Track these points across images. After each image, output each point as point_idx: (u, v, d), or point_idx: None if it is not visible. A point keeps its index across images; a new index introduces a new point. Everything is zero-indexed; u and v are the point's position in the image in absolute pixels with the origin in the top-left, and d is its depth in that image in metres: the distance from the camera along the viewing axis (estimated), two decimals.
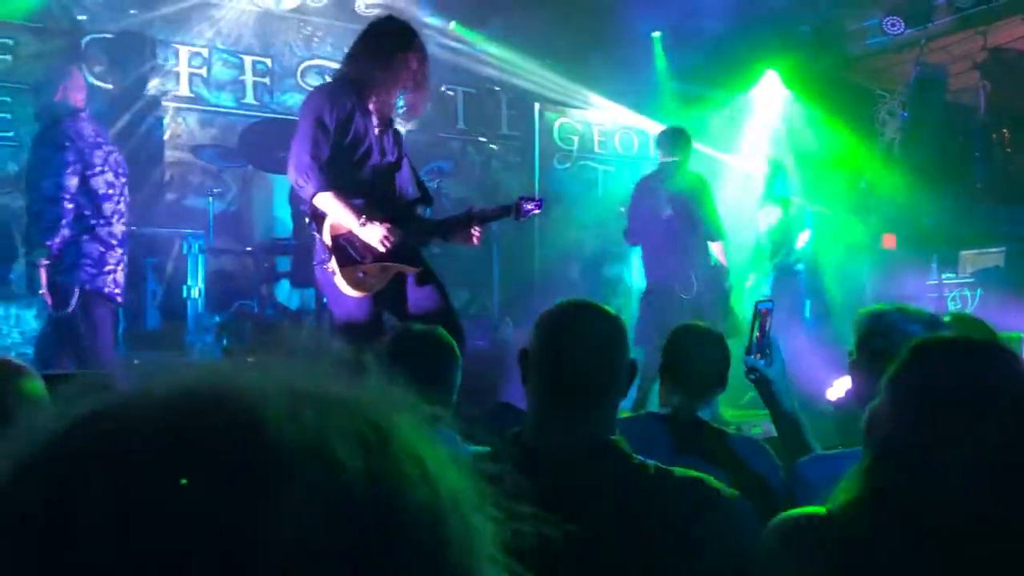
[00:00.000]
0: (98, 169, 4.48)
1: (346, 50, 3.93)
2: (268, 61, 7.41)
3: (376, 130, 3.72)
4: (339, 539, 0.42)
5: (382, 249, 3.55)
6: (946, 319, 3.65)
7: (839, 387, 4.55)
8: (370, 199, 3.63)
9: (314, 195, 3.54)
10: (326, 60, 7.71)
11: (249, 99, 7.32)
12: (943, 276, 7.38)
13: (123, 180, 4.65)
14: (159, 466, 0.41)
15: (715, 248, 6.14)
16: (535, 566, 0.52)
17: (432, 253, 6.57)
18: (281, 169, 6.59)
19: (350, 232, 3.56)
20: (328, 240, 3.57)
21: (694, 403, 2.50)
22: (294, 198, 6.69)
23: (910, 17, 8.06)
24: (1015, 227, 8.96)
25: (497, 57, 7.72)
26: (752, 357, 2.26)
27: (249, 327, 6.00)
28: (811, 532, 1.26)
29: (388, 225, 3.54)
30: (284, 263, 6.42)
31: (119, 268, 4.61)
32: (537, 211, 4.00)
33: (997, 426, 1.19)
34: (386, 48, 3.65)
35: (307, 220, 3.78)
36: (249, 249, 6.39)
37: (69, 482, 0.41)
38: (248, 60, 7.32)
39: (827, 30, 8.94)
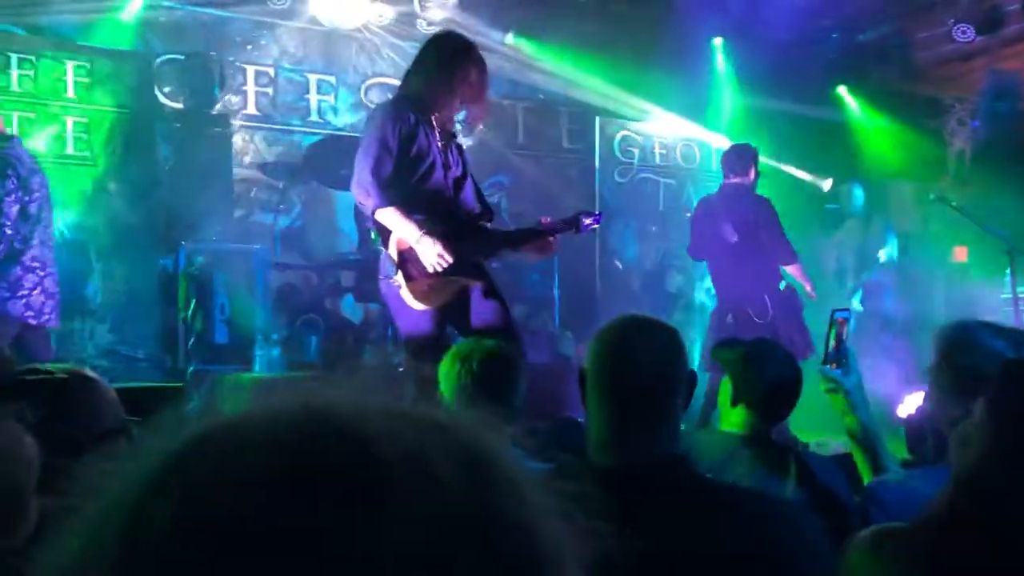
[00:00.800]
0: (36, 195, 4.54)
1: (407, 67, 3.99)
2: (332, 79, 7.54)
3: (439, 144, 3.76)
4: (445, 558, 0.43)
5: (434, 270, 3.57)
6: None
7: (910, 404, 4.44)
8: (433, 213, 3.66)
9: (375, 210, 3.59)
10: (389, 78, 7.81)
11: (314, 117, 7.45)
12: (1018, 290, 7.15)
13: (48, 204, 4.66)
14: (281, 485, 0.43)
15: (792, 271, 6.06)
16: None
17: (492, 268, 6.61)
18: (345, 185, 6.69)
19: (412, 246, 3.60)
20: (394, 254, 3.61)
21: (769, 422, 2.47)
22: (358, 213, 6.80)
23: (981, 24, 7.85)
24: None
25: (557, 70, 7.74)
26: (828, 367, 2.21)
27: (314, 341, 6.09)
28: (899, 547, 1.22)
29: (443, 242, 3.56)
30: (348, 277, 6.52)
31: (35, 291, 4.62)
32: (596, 225, 4.02)
33: None
34: (446, 62, 3.70)
35: (372, 235, 3.83)
36: (314, 264, 6.49)
37: (195, 501, 0.43)
38: (313, 78, 7.46)
39: (894, 39, 8.77)
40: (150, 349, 6.17)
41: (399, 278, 3.59)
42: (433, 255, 3.55)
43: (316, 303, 6.25)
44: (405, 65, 7.95)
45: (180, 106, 6.74)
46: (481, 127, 3.96)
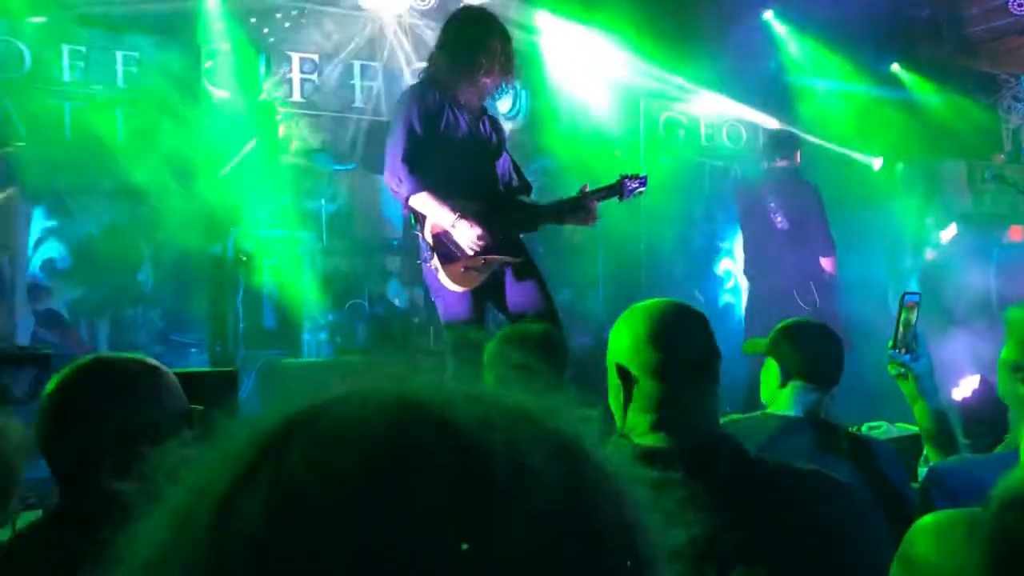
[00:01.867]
0: None
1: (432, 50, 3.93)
2: (376, 65, 7.55)
3: (467, 119, 3.73)
4: (552, 556, 0.41)
5: (471, 252, 3.58)
6: None
7: (966, 387, 4.36)
8: (467, 192, 3.66)
9: (408, 197, 3.60)
10: None
11: (359, 103, 7.48)
12: None
13: None
14: (379, 478, 0.41)
15: (826, 263, 5.98)
16: (699, 570, 0.51)
17: (536, 252, 6.60)
18: None
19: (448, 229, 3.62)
20: (429, 238, 3.63)
21: (826, 403, 2.45)
22: None
23: None
24: None
25: (601, 51, 7.67)
26: (897, 351, 2.17)
27: (360, 326, 6.14)
28: (964, 533, 1.20)
29: (478, 223, 3.56)
30: (394, 262, 6.55)
31: None
32: (642, 189, 3.94)
33: None
34: (469, 36, 3.68)
35: (412, 221, 3.80)
36: (360, 249, 6.54)
37: (291, 493, 0.41)
38: (357, 65, 7.48)
39: (948, 13, 8.55)
40: (201, 335, 6.27)
41: (435, 262, 3.60)
42: (469, 238, 3.56)
43: (362, 288, 6.30)
44: None
45: (227, 94, 6.81)
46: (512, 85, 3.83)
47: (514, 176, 3.95)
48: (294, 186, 6.96)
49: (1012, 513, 1.15)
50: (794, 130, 6.14)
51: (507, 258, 3.73)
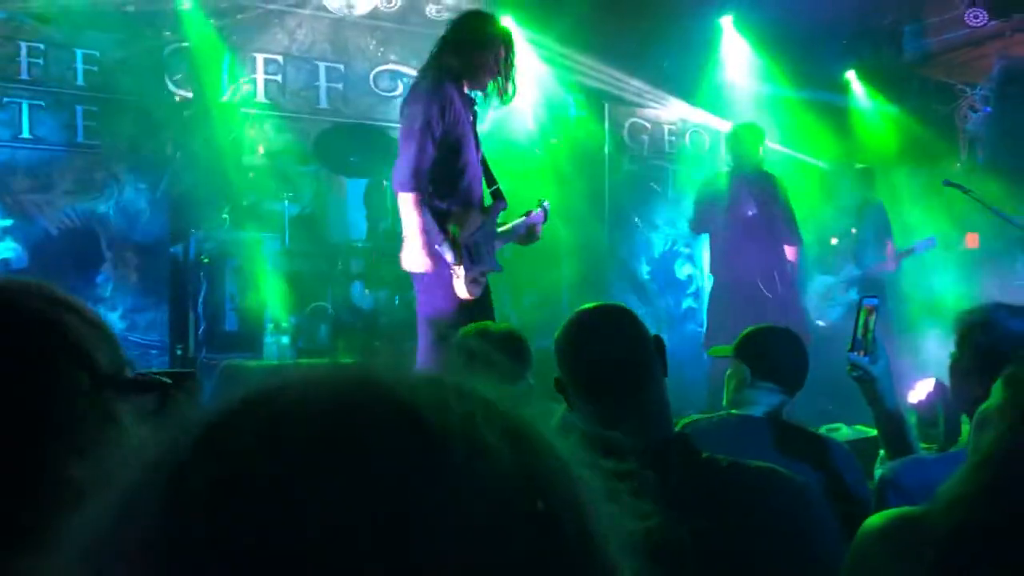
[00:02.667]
0: None
1: (433, 49, 3.87)
2: (341, 67, 7.52)
3: (472, 122, 3.76)
4: (503, 532, 0.42)
5: (481, 264, 3.72)
6: None
7: (921, 389, 4.43)
8: (471, 200, 3.72)
9: (413, 202, 3.58)
10: (399, 65, 7.79)
11: (323, 104, 7.45)
12: None
13: None
14: (324, 450, 0.41)
15: (789, 252, 6.04)
16: (654, 562, 0.52)
17: (503, 257, 6.61)
18: (354, 172, 6.72)
19: (469, 236, 3.68)
20: (457, 244, 3.67)
21: (786, 404, 2.48)
22: (367, 200, 6.79)
23: (994, 7, 7.79)
24: None
25: (566, 57, 7.71)
26: (856, 354, 2.20)
27: (324, 328, 6.11)
28: (911, 531, 1.22)
29: (487, 236, 3.70)
30: (358, 264, 6.52)
31: None
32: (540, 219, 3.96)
33: None
34: (477, 36, 3.70)
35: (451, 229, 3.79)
36: (323, 251, 6.50)
37: (237, 463, 0.41)
38: (322, 66, 7.45)
39: (906, 23, 8.71)
40: (161, 337, 6.19)
41: (460, 269, 3.64)
42: (415, 258, 3.65)
43: (325, 291, 6.26)
44: (415, 52, 7.95)
45: (189, 94, 6.74)
46: (510, 95, 3.84)
47: (492, 183, 4.03)
48: (257, 187, 6.91)
49: (954, 513, 1.18)
50: (756, 126, 6.19)
51: (494, 268, 3.85)
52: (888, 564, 1.23)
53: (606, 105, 8.11)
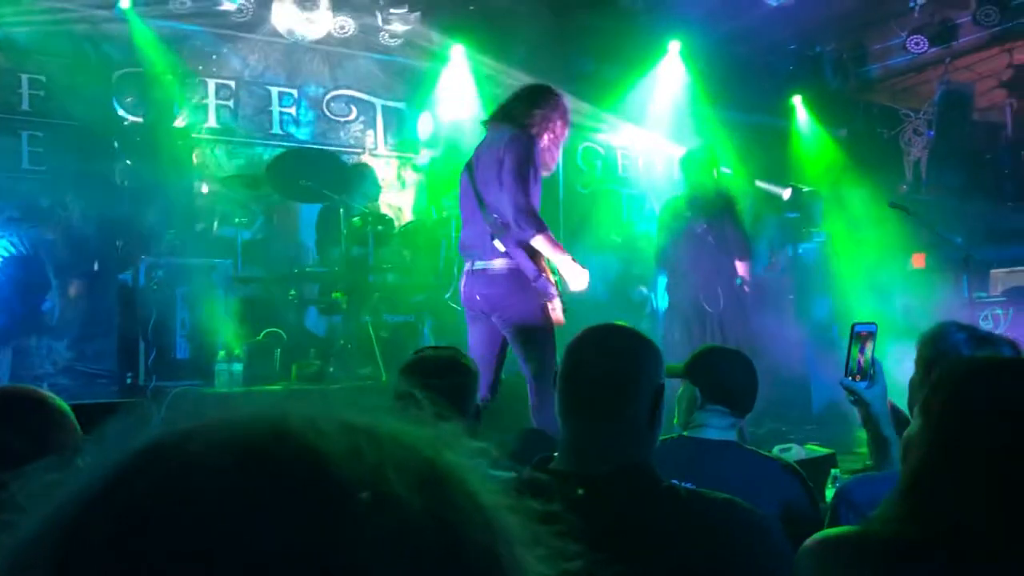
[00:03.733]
0: None
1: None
2: (294, 92, 7.50)
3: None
4: None
5: (581, 287, 3.94)
6: None
7: None
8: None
9: (533, 236, 3.85)
10: (352, 90, 7.80)
11: (276, 129, 7.41)
12: (974, 295, 7.28)
13: None
14: (225, 504, 0.40)
15: (740, 267, 6.11)
16: None
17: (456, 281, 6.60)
18: (307, 198, 6.67)
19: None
20: (552, 277, 3.93)
21: (725, 424, 2.49)
22: (320, 226, 6.75)
23: (934, 36, 8.02)
24: None
25: (518, 83, 7.76)
26: (849, 379, 2.23)
27: (277, 355, 6.04)
28: (846, 551, 1.25)
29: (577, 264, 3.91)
30: (311, 290, 6.47)
31: None
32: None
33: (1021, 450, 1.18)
34: (546, 108, 4.06)
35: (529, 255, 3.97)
36: (276, 277, 6.44)
37: (136, 520, 0.40)
38: (274, 91, 7.42)
39: (850, 50, 8.92)
40: (110, 366, 6.06)
41: (557, 303, 3.90)
42: (581, 277, 3.92)
43: (279, 317, 6.19)
44: (368, 78, 7.95)
45: (140, 119, 6.66)
46: (552, 170, 4.24)
47: None
48: (208, 213, 6.83)
49: (884, 532, 1.21)
50: (711, 146, 6.29)
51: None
52: None
53: None
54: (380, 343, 5.87)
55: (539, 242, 3.88)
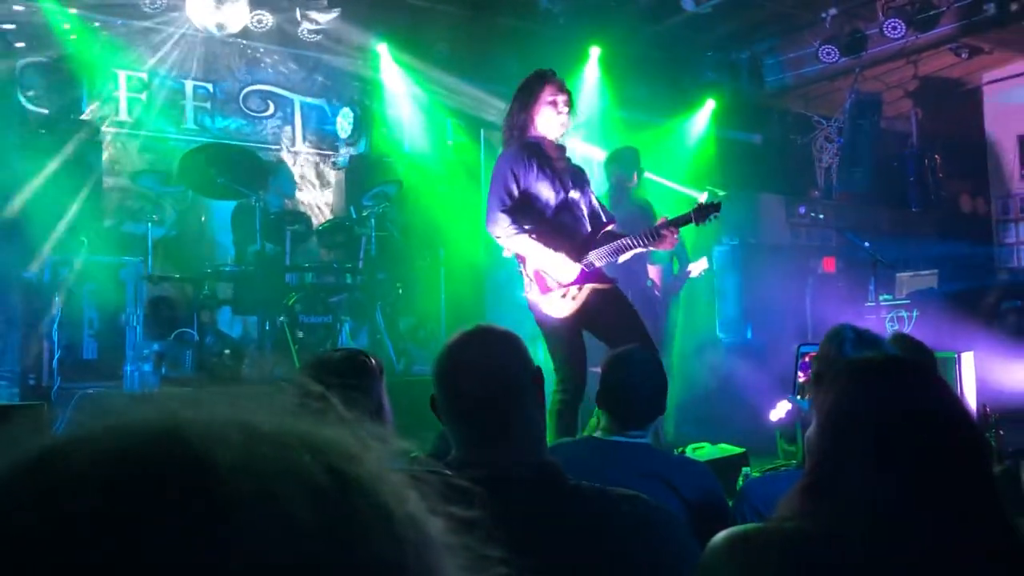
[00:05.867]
0: None
1: (302, 75, 4.10)
2: (209, 86, 7.33)
3: (557, 168, 4.14)
4: None
5: (567, 281, 4.01)
6: (889, 341, 3.76)
7: (780, 409, 4.62)
8: (558, 232, 4.06)
9: (507, 239, 4.01)
10: (268, 85, 7.66)
11: (189, 124, 7.23)
12: (881, 298, 7.53)
13: None
14: (101, 523, 0.38)
15: (652, 271, 6.21)
16: None
17: (376, 279, 6.53)
18: (221, 194, 6.52)
19: (545, 261, 4.02)
20: (530, 272, 4.05)
21: (636, 428, 2.51)
22: (235, 223, 6.61)
23: (845, 46, 8.28)
24: (947, 249, 9.23)
25: (442, 84, 7.75)
26: (796, 397, 2.30)
27: (189, 355, 5.89)
28: (752, 547, 1.28)
29: (567, 257, 4.01)
30: (226, 289, 6.32)
31: None
32: (717, 213, 4.26)
33: (909, 445, 1.24)
34: (527, 90, 4.14)
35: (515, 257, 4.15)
36: (189, 276, 6.27)
37: (16, 538, 0.38)
38: (189, 85, 7.24)
39: (764, 58, 9.14)
40: (11, 367, 5.82)
41: (534, 294, 4.03)
42: (564, 271, 4.00)
43: (191, 316, 6.04)
44: (286, 72, 7.82)
45: (45, 111, 6.42)
46: (569, 126, 4.24)
47: (600, 212, 4.34)
48: (118, 209, 6.63)
49: (785, 530, 1.26)
50: (632, 149, 6.35)
51: (597, 285, 4.08)
52: None
53: (482, 131, 8.18)
54: (296, 344, 5.78)
55: (514, 243, 4.03)
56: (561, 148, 4.25)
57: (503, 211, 3.99)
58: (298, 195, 7.72)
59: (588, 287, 4.05)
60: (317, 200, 7.91)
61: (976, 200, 10.94)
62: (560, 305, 4.02)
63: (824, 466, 1.29)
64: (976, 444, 1.29)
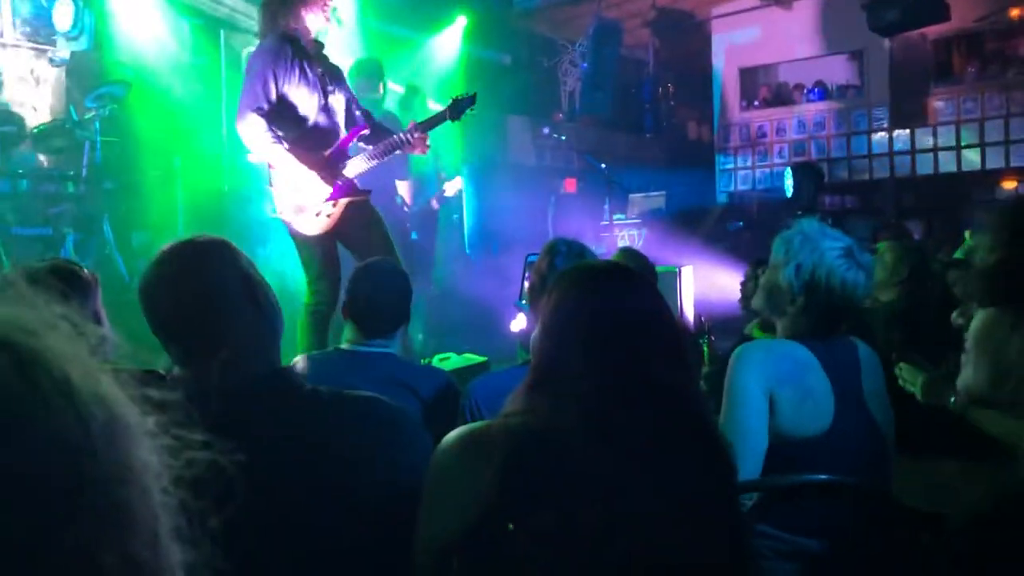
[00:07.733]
0: None
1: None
2: None
3: (317, 70, 3.94)
4: None
5: (320, 199, 3.89)
6: (616, 256, 4.01)
7: (520, 320, 4.83)
8: (316, 140, 3.92)
9: (260, 145, 3.79)
10: None
11: None
12: (615, 217, 8.01)
13: None
14: None
15: (401, 187, 6.22)
16: (206, 496, 0.49)
17: (104, 189, 6.04)
18: None
19: (298, 178, 3.85)
20: (281, 188, 3.89)
21: (380, 337, 2.54)
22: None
23: None
24: (675, 173, 9.95)
25: None
26: (520, 302, 2.38)
27: None
28: (479, 443, 1.34)
29: (326, 171, 3.89)
30: None
31: None
32: (472, 105, 4.18)
33: (617, 342, 1.36)
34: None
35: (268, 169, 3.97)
36: None
37: None
38: None
39: None
40: None
41: (286, 214, 3.89)
42: (318, 190, 3.86)
43: None
44: None
45: None
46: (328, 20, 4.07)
47: (356, 113, 4.22)
48: None
49: (512, 422, 1.34)
50: (375, 61, 6.24)
51: (353, 197, 4.00)
52: (462, 473, 1.33)
53: (222, 32, 7.68)
54: (11, 258, 5.25)
55: (266, 152, 3.84)
56: (320, 45, 4.08)
57: (259, 113, 3.76)
58: (7, 93, 6.91)
59: (342, 202, 3.97)
60: (31, 100, 7.13)
61: (702, 128, 11.83)
62: (314, 223, 3.93)
63: (544, 364, 1.37)
64: (677, 342, 1.42)
